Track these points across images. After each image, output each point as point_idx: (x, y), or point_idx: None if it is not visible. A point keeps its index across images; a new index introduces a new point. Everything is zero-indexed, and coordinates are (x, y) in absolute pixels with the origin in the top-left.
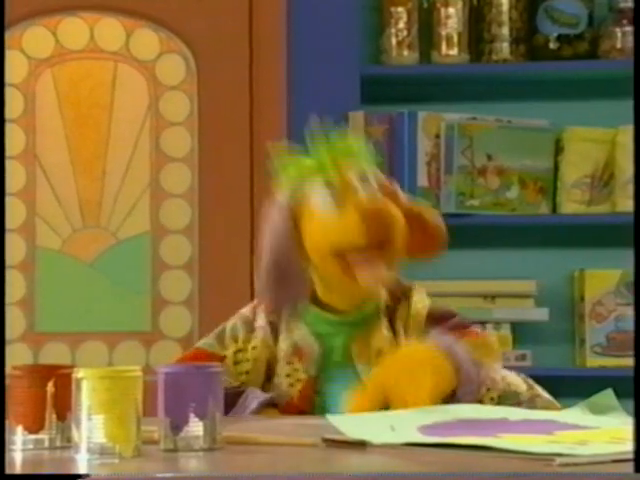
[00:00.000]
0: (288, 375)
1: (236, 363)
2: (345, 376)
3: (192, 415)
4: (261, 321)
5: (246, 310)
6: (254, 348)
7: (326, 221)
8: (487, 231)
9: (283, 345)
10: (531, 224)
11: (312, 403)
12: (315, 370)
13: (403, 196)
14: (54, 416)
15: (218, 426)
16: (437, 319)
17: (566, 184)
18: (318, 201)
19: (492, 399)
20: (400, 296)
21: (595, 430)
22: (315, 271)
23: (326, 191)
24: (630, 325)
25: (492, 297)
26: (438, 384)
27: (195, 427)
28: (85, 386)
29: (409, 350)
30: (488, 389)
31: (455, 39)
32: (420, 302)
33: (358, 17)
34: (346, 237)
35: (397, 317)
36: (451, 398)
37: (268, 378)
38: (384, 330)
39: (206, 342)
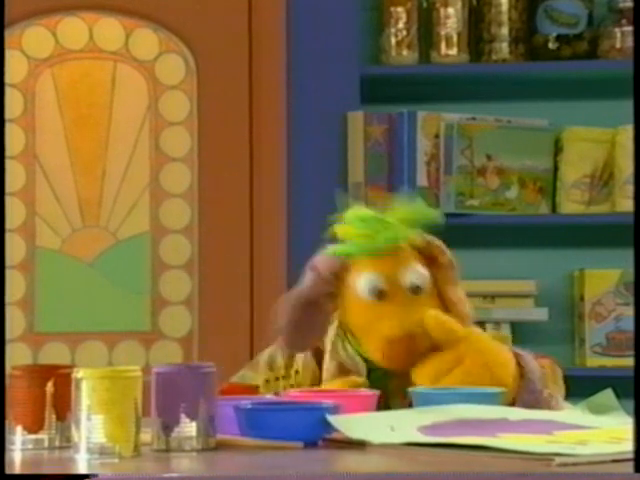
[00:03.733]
0: None
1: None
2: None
3: (183, 415)
4: None
5: None
6: (297, 372)
7: (363, 317)
8: (487, 231)
9: (330, 366)
10: (531, 224)
11: None
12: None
13: (453, 270)
14: (54, 416)
15: (211, 427)
16: None
17: (566, 184)
18: (363, 289)
19: None
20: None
21: (595, 430)
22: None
23: (373, 288)
24: (630, 325)
25: (492, 297)
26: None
27: (187, 428)
28: (85, 386)
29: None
30: None
31: (454, 39)
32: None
33: (358, 17)
34: (372, 355)
35: None
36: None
37: None
38: None
39: (238, 375)
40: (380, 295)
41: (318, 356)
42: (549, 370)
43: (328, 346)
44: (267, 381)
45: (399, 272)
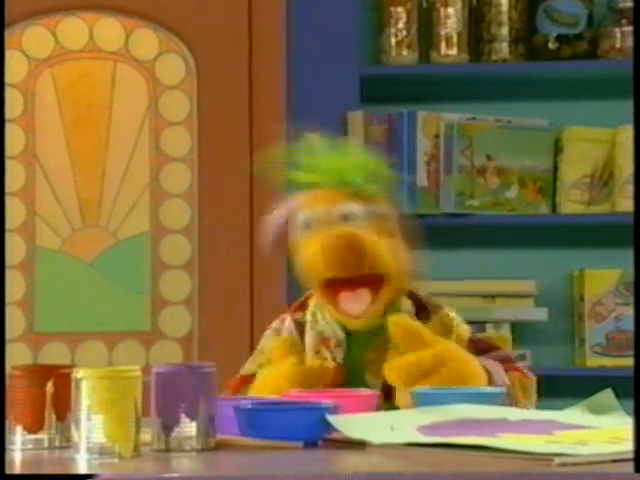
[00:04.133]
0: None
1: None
2: (354, 384)
3: (183, 415)
4: (287, 323)
5: (275, 322)
6: None
7: (301, 252)
8: (487, 231)
9: (309, 336)
10: (531, 224)
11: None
12: (342, 356)
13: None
14: (53, 416)
15: (211, 427)
16: (482, 348)
17: (566, 184)
18: (297, 229)
19: None
20: (430, 312)
21: (595, 430)
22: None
23: (304, 222)
24: (630, 325)
25: (492, 297)
26: None
27: (187, 428)
28: (84, 386)
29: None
30: None
31: (454, 39)
32: (462, 326)
33: (358, 17)
34: (313, 270)
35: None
36: None
37: None
38: None
39: (244, 368)
40: (311, 227)
41: (300, 327)
42: (517, 386)
43: (309, 317)
44: (260, 365)
45: (333, 207)
